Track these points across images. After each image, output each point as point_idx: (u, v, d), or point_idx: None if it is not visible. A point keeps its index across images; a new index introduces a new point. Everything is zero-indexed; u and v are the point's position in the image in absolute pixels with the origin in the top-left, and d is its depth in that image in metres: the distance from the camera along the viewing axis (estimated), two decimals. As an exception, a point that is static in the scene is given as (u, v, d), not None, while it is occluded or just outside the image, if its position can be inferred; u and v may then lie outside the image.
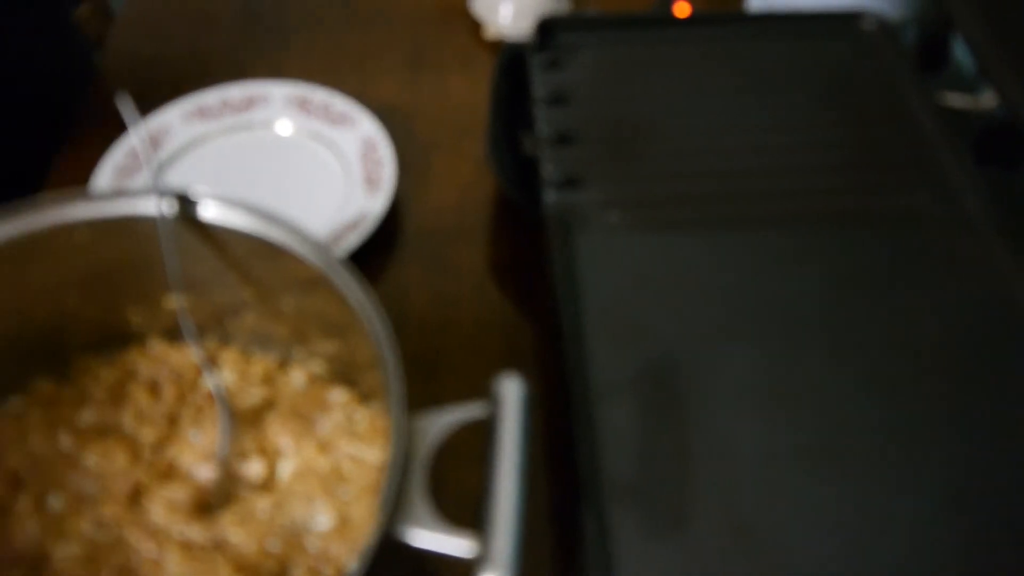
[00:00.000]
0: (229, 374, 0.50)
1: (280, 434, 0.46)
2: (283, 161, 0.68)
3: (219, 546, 0.42)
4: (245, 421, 0.47)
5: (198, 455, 0.45)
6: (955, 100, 0.65)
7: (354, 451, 0.44)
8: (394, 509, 0.34)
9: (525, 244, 0.63)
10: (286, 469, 0.45)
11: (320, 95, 0.70)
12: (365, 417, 0.46)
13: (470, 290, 0.61)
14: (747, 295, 0.50)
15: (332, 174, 0.66)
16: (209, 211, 0.44)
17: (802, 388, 0.46)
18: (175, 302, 0.48)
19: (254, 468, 0.45)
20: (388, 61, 0.78)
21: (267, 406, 0.48)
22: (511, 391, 0.36)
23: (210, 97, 0.71)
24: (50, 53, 0.76)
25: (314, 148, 0.68)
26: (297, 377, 0.50)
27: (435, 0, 0.84)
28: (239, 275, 0.46)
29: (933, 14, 0.71)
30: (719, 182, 0.57)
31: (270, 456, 0.46)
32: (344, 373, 0.48)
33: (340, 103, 0.70)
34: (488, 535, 0.33)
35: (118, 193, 0.44)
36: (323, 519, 0.42)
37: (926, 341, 0.48)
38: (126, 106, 0.44)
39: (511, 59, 0.67)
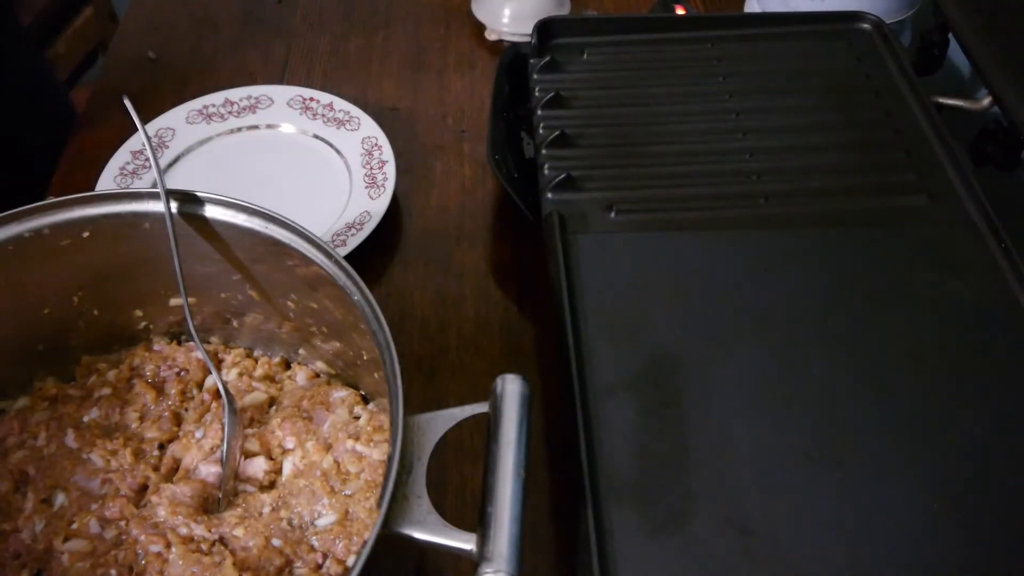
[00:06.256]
0: (233, 373, 0.50)
1: (283, 432, 0.46)
2: (286, 162, 0.68)
3: (224, 542, 0.42)
4: (249, 419, 0.47)
5: (203, 453, 0.46)
6: (952, 101, 0.65)
7: (356, 449, 0.45)
8: (395, 506, 0.34)
9: (526, 245, 0.63)
10: (289, 466, 0.45)
11: (322, 97, 0.71)
12: (367, 415, 0.47)
13: (471, 290, 0.61)
14: (747, 295, 0.51)
15: (334, 175, 0.67)
16: (213, 212, 0.44)
17: (802, 388, 0.46)
18: (180, 302, 0.48)
19: (258, 466, 0.45)
20: (390, 63, 0.79)
21: (271, 404, 0.49)
22: (511, 391, 0.37)
23: (214, 99, 0.71)
24: (26, 97, 0.76)
25: (316, 149, 0.69)
26: (300, 376, 0.50)
27: (436, 2, 0.85)
28: (243, 275, 0.47)
29: (930, 16, 0.71)
30: (718, 183, 0.57)
31: (274, 454, 0.46)
32: (346, 372, 0.48)
33: (342, 105, 0.70)
34: (488, 532, 0.33)
35: (123, 194, 0.45)
36: (326, 515, 0.43)
37: (925, 341, 0.49)
38: (130, 108, 0.45)
39: (512, 61, 0.67)
